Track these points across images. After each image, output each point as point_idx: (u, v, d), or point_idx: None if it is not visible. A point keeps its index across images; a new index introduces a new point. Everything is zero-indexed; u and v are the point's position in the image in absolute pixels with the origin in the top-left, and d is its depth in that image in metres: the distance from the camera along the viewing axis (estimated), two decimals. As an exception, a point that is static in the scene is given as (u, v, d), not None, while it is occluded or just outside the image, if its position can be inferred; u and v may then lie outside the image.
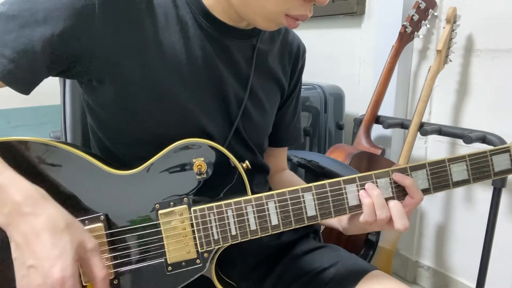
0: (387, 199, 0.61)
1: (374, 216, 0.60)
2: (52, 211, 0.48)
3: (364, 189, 0.61)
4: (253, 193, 0.61)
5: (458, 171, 0.63)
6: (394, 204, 0.60)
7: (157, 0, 0.61)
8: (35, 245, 0.46)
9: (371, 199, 0.60)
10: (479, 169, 0.63)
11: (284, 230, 0.60)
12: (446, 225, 1.60)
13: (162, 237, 0.58)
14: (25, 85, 0.56)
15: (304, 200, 0.60)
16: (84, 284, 0.54)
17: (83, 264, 0.50)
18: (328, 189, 0.61)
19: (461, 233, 1.55)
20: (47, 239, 0.46)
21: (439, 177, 0.62)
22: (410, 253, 1.74)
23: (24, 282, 0.47)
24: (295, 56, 0.78)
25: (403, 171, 0.62)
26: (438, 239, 1.64)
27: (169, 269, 0.58)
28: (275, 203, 0.60)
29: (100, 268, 0.50)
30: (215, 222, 0.58)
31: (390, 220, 0.61)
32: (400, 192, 0.62)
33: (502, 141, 1.23)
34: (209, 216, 0.58)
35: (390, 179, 0.62)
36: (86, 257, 0.49)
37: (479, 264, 1.33)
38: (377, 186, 0.61)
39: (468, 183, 0.63)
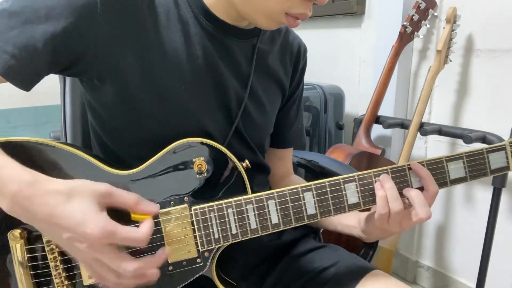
0: None
1: (387, 208, 0.60)
2: (49, 186, 0.48)
3: (379, 180, 0.61)
4: (253, 192, 0.61)
5: (455, 169, 0.63)
6: (415, 193, 0.60)
7: None
8: (58, 221, 0.47)
9: (384, 191, 0.60)
10: (476, 166, 0.64)
11: (285, 228, 0.60)
12: (446, 225, 1.60)
13: (162, 236, 0.58)
14: (26, 82, 0.56)
15: (304, 198, 0.60)
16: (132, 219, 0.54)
17: (112, 206, 0.51)
18: (327, 187, 0.61)
19: (461, 233, 1.55)
20: (63, 211, 0.47)
21: (436, 175, 0.63)
22: (410, 253, 1.74)
23: (76, 253, 0.49)
24: (296, 56, 0.78)
25: (401, 170, 0.62)
26: (438, 239, 1.64)
27: (170, 269, 0.59)
28: (275, 202, 0.60)
29: (126, 197, 0.51)
30: (216, 221, 0.59)
31: (407, 214, 0.60)
32: (401, 189, 0.62)
33: (502, 141, 1.23)
34: (210, 215, 0.58)
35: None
36: (109, 201, 0.50)
37: (479, 264, 1.33)
38: (391, 179, 0.61)
39: (465, 181, 0.64)
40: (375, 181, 0.61)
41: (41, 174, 0.50)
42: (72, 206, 0.47)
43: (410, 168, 0.62)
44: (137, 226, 0.50)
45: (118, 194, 0.51)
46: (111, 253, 0.48)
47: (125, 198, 0.51)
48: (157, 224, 0.58)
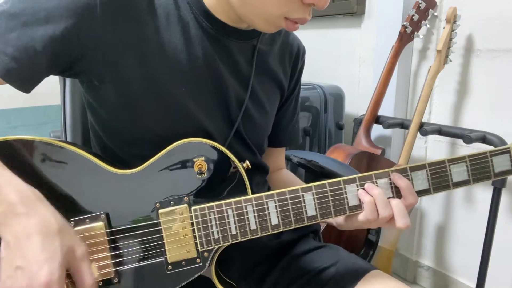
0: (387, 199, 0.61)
1: (375, 214, 0.60)
2: (45, 214, 0.48)
3: (363, 189, 0.61)
4: (252, 193, 0.61)
5: (458, 172, 0.63)
6: (396, 202, 0.60)
7: (159, 1, 0.61)
8: (25, 247, 0.46)
9: (371, 197, 0.60)
10: (479, 169, 0.63)
11: (284, 230, 0.60)
12: (446, 225, 1.60)
13: (162, 236, 0.58)
14: (26, 84, 0.56)
15: (304, 200, 0.60)
16: None
17: (72, 271, 0.50)
18: (328, 189, 0.61)
19: (461, 233, 1.55)
20: (37, 242, 0.46)
21: (439, 178, 0.62)
22: (410, 253, 1.74)
23: (9, 283, 0.47)
24: (295, 57, 0.78)
25: (403, 171, 0.62)
26: (438, 239, 1.64)
27: (169, 268, 0.59)
28: (275, 203, 0.60)
29: (88, 275, 0.50)
30: (215, 222, 0.59)
31: (391, 220, 0.61)
32: (400, 192, 0.62)
33: (502, 141, 1.23)
34: (209, 216, 0.58)
35: (390, 179, 0.62)
36: (75, 264, 0.50)
37: (479, 264, 1.33)
38: (377, 186, 0.61)
39: (468, 184, 0.63)
40: (358, 190, 0.61)
41: (40, 194, 0.50)
42: (48, 244, 0.47)
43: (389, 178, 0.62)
44: None
45: (86, 266, 0.50)
46: None
47: (86, 274, 0.50)
48: (157, 224, 0.58)
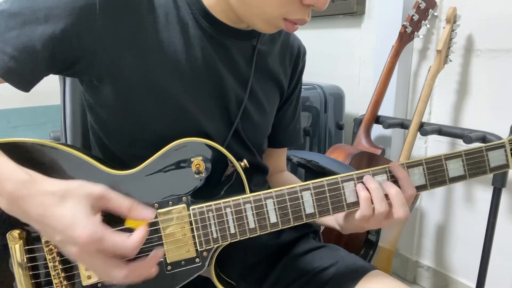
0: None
1: (371, 210, 0.60)
2: (44, 187, 0.48)
3: (361, 182, 0.61)
4: (251, 192, 0.60)
5: (455, 167, 0.63)
6: (395, 191, 0.60)
7: (158, 1, 0.61)
8: (50, 223, 0.47)
9: (367, 192, 0.60)
10: (475, 164, 0.64)
11: (283, 228, 0.60)
12: (446, 225, 1.59)
13: (161, 236, 0.58)
14: (25, 83, 0.56)
15: (302, 197, 0.60)
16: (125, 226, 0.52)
17: (106, 211, 0.50)
18: (326, 186, 0.61)
19: (461, 233, 1.55)
20: (55, 213, 0.46)
21: (435, 173, 0.63)
22: (410, 253, 1.74)
23: (70, 255, 0.48)
24: (295, 58, 0.78)
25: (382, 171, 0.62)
26: (438, 239, 1.64)
27: (168, 268, 0.59)
28: (274, 201, 0.60)
29: (121, 202, 0.50)
30: (214, 221, 0.59)
31: (388, 214, 0.60)
32: (399, 184, 0.62)
33: (502, 141, 1.23)
34: (208, 215, 0.58)
35: (387, 176, 0.62)
36: (102, 204, 0.49)
37: (479, 264, 1.32)
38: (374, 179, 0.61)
39: (464, 179, 0.64)
40: (356, 185, 0.61)
41: (39, 174, 0.50)
42: (64, 208, 0.47)
43: (390, 171, 0.62)
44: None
45: (112, 198, 0.50)
46: (100, 259, 0.47)
47: (120, 202, 0.50)
48: (155, 224, 0.58)
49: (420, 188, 0.62)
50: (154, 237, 0.58)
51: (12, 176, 0.48)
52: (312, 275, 0.71)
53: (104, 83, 0.60)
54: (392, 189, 0.60)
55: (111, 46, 0.58)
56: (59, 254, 0.57)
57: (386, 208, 0.59)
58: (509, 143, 0.65)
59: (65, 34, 0.55)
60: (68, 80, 0.85)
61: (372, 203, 0.60)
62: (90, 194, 0.49)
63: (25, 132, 2.11)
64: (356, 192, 0.61)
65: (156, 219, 0.58)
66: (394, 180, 0.62)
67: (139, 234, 0.49)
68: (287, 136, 0.86)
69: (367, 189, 0.60)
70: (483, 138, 1.26)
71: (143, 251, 0.58)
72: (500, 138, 1.24)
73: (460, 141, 1.39)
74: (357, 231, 0.68)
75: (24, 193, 0.47)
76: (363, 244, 1.39)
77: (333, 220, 0.71)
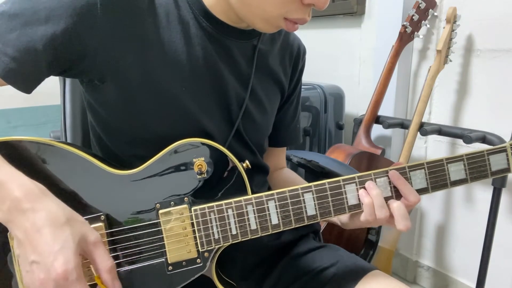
0: (386, 199, 0.61)
1: (374, 215, 0.61)
2: (52, 206, 0.48)
3: (364, 188, 0.62)
4: (252, 193, 0.61)
5: (456, 171, 0.63)
6: (397, 205, 0.61)
7: (159, 0, 0.61)
8: (37, 241, 0.46)
9: (371, 198, 0.61)
10: (477, 168, 0.64)
11: (284, 229, 0.60)
12: (446, 225, 1.60)
13: (162, 236, 0.58)
14: (27, 84, 0.56)
15: (304, 200, 0.60)
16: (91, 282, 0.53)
17: (88, 257, 0.50)
18: (328, 189, 0.61)
19: (461, 233, 1.55)
20: (48, 234, 0.46)
21: (437, 177, 0.63)
22: (410, 253, 1.74)
23: (28, 278, 0.47)
24: (295, 57, 0.78)
25: (401, 170, 0.62)
26: (438, 239, 1.64)
27: (169, 269, 0.59)
28: (275, 203, 0.60)
29: (105, 259, 0.50)
30: (216, 222, 0.59)
31: (390, 218, 0.61)
32: (399, 191, 0.62)
33: (502, 141, 1.23)
34: (210, 216, 0.58)
35: (389, 178, 0.62)
36: (89, 250, 0.50)
37: (479, 264, 1.33)
38: (376, 186, 0.61)
39: (466, 183, 0.64)
40: (358, 190, 0.62)
41: (46, 189, 0.50)
42: (59, 234, 0.47)
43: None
44: None
45: (101, 251, 0.50)
46: None
47: (103, 258, 0.50)
48: (157, 224, 0.58)
49: (421, 191, 0.63)
50: (155, 238, 0.58)
51: (21, 183, 0.48)
52: (312, 275, 0.71)
53: (105, 83, 0.60)
54: (394, 204, 0.61)
55: (112, 46, 0.58)
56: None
57: (386, 214, 0.61)
58: (511, 147, 0.65)
59: (67, 34, 0.54)
60: (68, 80, 0.85)
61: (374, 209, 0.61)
62: (86, 234, 0.49)
63: (25, 132, 2.11)
64: (358, 195, 0.62)
65: (158, 219, 0.58)
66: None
67: None
68: (288, 136, 0.86)
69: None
70: (483, 138, 1.26)
71: (145, 252, 0.58)
72: (500, 138, 1.24)
73: (460, 141, 1.39)
74: (357, 227, 0.69)
75: (28, 206, 0.47)
76: (363, 244, 1.39)
77: (336, 219, 0.72)
